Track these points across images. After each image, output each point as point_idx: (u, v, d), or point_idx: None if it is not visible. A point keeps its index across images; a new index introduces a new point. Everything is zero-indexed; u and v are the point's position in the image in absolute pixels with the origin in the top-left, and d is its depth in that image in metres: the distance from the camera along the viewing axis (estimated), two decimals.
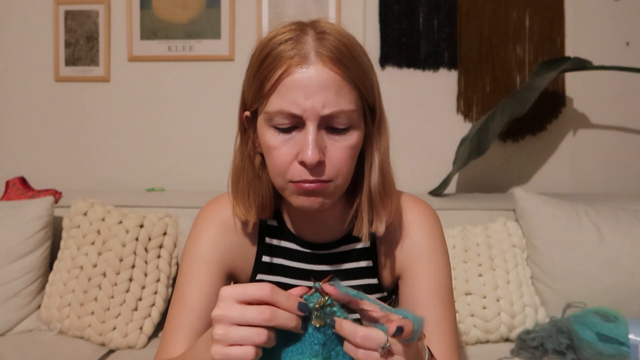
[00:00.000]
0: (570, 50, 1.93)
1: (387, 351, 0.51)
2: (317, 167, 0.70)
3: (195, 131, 2.03)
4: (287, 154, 0.71)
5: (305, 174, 0.71)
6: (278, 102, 0.70)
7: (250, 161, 0.80)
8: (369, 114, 0.77)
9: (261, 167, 0.80)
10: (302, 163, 0.70)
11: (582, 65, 1.72)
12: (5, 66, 2.08)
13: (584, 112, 1.98)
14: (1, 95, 2.09)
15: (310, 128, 0.70)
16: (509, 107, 1.66)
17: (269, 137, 0.73)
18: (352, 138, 0.73)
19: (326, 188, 0.72)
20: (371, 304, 0.56)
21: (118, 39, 2.04)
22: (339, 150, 0.72)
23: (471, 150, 1.69)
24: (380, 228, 0.78)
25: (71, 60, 2.05)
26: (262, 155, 0.79)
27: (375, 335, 0.52)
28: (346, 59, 0.72)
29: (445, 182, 1.75)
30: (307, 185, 0.71)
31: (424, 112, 1.99)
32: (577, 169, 1.98)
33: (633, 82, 1.91)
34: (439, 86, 1.98)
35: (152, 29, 2.02)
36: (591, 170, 1.98)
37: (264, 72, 0.72)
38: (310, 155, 0.69)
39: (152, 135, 2.05)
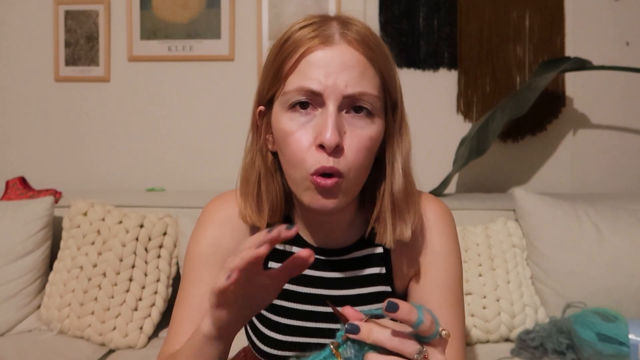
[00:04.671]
0: (570, 50, 1.93)
1: (423, 357, 0.49)
2: (335, 152, 0.66)
3: (195, 131, 2.04)
4: (304, 140, 0.67)
5: (323, 160, 0.66)
6: (297, 80, 0.67)
7: (263, 159, 0.76)
8: (391, 110, 0.73)
9: (274, 166, 0.76)
10: (320, 146, 0.66)
11: (582, 65, 1.72)
12: (5, 66, 2.09)
13: (584, 112, 1.98)
14: (1, 95, 2.10)
15: (331, 108, 0.66)
16: (509, 107, 1.66)
17: (285, 123, 0.68)
18: (373, 129, 0.69)
19: (340, 184, 0.68)
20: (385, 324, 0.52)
21: (118, 39, 2.04)
22: (359, 139, 0.67)
23: (471, 150, 1.69)
24: (406, 233, 0.73)
25: (71, 60, 2.05)
26: (274, 155, 0.76)
27: (411, 341, 0.49)
28: (372, 43, 0.69)
29: (445, 182, 1.75)
30: (324, 182, 0.66)
31: (424, 112, 1.99)
32: (577, 169, 1.98)
33: (633, 82, 1.91)
34: (439, 86, 1.98)
35: (152, 29, 2.02)
36: (591, 170, 1.98)
37: (283, 53, 0.69)
38: (330, 136, 0.64)
39: (152, 135, 2.05)
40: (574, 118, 1.98)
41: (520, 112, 1.65)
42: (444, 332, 0.50)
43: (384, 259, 0.81)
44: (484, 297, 1.47)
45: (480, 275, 1.51)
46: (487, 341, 1.48)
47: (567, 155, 1.98)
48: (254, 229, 0.79)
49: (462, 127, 1.96)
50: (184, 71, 2.03)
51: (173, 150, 2.05)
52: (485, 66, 1.94)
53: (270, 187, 0.76)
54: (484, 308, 1.47)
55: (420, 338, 0.50)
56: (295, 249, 0.82)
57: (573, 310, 1.45)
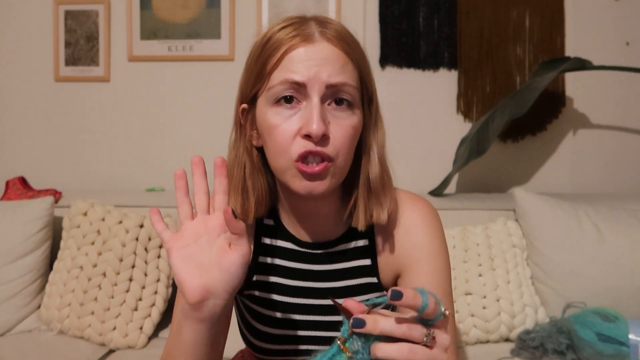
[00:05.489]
0: (570, 50, 1.93)
1: (431, 338, 0.50)
2: (321, 140, 0.69)
3: (195, 131, 2.04)
4: (289, 131, 0.70)
5: (309, 145, 0.69)
6: (281, 75, 0.70)
7: (248, 154, 0.78)
8: (367, 103, 0.77)
9: (259, 161, 0.79)
10: (307, 136, 0.69)
11: (582, 65, 1.72)
12: (5, 66, 2.09)
13: (584, 112, 1.98)
14: (1, 95, 2.10)
15: (315, 99, 0.69)
16: (509, 107, 1.66)
17: (271, 117, 0.71)
18: (354, 118, 0.73)
19: (329, 169, 0.71)
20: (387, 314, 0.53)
21: (118, 39, 2.04)
22: (342, 128, 0.71)
23: (471, 150, 1.69)
24: (382, 216, 0.77)
25: (71, 60, 2.05)
26: (258, 150, 0.79)
27: (417, 325, 0.50)
28: (350, 40, 0.73)
29: (445, 182, 1.75)
30: (311, 169, 0.69)
31: (424, 112, 1.99)
32: (577, 169, 1.98)
33: (633, 82, 1.91)
34: (439, 86, 1.98)
35: (152, 29, 2.02)
36: (591, 170, 1.98)
37: (266, 53, 0.72)
38: (316, 127, 0.67)
39: (152, 135, 2.05)
40: (574, 118, 1.98)
41: (520, 112, 1.65)
42: (447, 312, 0.51)
43: (369, 251, 0.83)
44: (484, 297, 1.47)
45: (480, 275, 1.51)
46: (487, 341, 1.48)
47: (567, 155, 1.98)
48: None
49: (462, 127, 1.96)
50: (184, 71, 2.03)
51: (173, 150, 2.05)
52: (485, 66, 1.94)
53: (256, 181, 0.79)
54: (484, 308, 1.47)
55: (425, 321, 0.50)
56: (280, 243, 0.84)
57: (573, 310, 1.45)
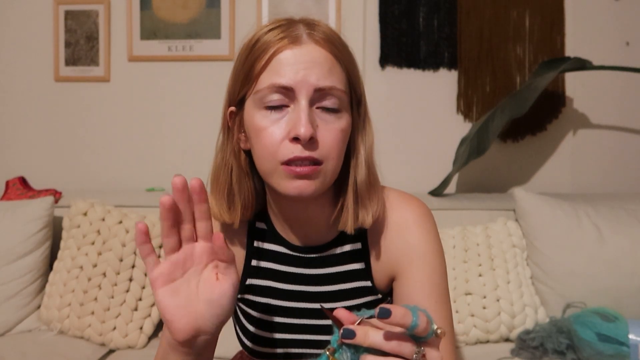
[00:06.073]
0: (570, 50, 1.93)
1: (421, 355, 0.49)
2: (309, 144, 0.68)
3: (195, 131, 2.04)
4: (277, 134, 0.69)
5: (297, 150, 0.68)
6: (269, 78, 0.70)
7: (235, 158, 0.77)
8: (356, 105, 0.76)
9: (247, 164, 0.78)
10: (295, 139, 0.68)
11: (582, 65, 1.72)
12: (5, 66, 2.09)
13: (584, 112, 1.98)
14: (1, 95, 2.10)
15: (303, 102, 0.68)
16: (509, 107, 1.66)
17: (258, 119, 0.71)
18: (343, 122, 0.72)
19: (318, 172, 0.70)
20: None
21: (118, 39, 2.04)
22: (331, 132, 0.70)
23: (471, 150, 1.68)
24: (367, 220, 0.76)
25: (71, 60, 2.05)
26: (245, 153, 0.78)
27: (407, 342, 0.50)
28: (337, 42, 0.73)
29: (445, 182, 1.75)
30: (299, 169, 0.68)
31: (424, 112, 1.99)
32: (577, 169, 1.98)
33: (633, 82, 1.91)
34: (439, 86, 1.98)
35: (152, 29, 2.02)
36: (591, 170, 1.98)
37: (253, 55, 0.72)
38: (304, 130, 0.66)
39: (152, 135, 2.05)
40: (574, 118, 1.98)
41: (520, 112, 1.65)
42: (439, 331, 0.51)
43: (362, 254, 0.82)
44: (484, 297, 1.47)
45: (480, 275, 1.51)
46: (487, 341, 1.48)
47: (567, 155, 1.98)
48: (224, 226, 0.81)
49: (462, 127, 1.96)
50: (184, 71, 2.03)
51: (173, 150, 2.05)
52: (485, 66, 1.94)
53: (243, 184, 0.78)
54: (484, 308, 1.47)
55: (416, 337, 0.50)
56: (273, 247, 0.83)
57: (573, 310, 1.45)
